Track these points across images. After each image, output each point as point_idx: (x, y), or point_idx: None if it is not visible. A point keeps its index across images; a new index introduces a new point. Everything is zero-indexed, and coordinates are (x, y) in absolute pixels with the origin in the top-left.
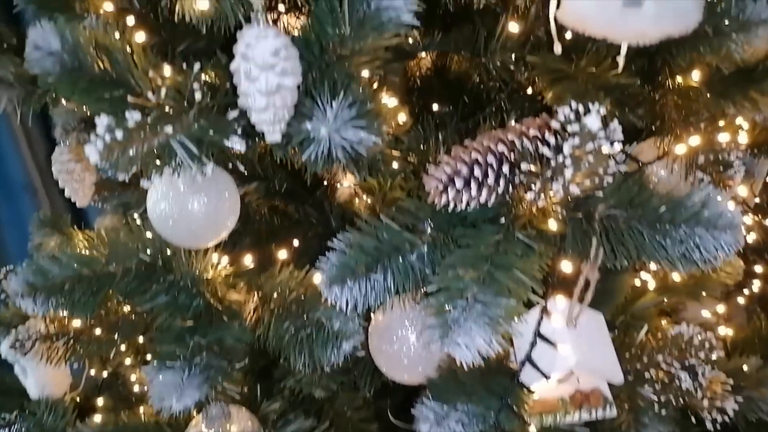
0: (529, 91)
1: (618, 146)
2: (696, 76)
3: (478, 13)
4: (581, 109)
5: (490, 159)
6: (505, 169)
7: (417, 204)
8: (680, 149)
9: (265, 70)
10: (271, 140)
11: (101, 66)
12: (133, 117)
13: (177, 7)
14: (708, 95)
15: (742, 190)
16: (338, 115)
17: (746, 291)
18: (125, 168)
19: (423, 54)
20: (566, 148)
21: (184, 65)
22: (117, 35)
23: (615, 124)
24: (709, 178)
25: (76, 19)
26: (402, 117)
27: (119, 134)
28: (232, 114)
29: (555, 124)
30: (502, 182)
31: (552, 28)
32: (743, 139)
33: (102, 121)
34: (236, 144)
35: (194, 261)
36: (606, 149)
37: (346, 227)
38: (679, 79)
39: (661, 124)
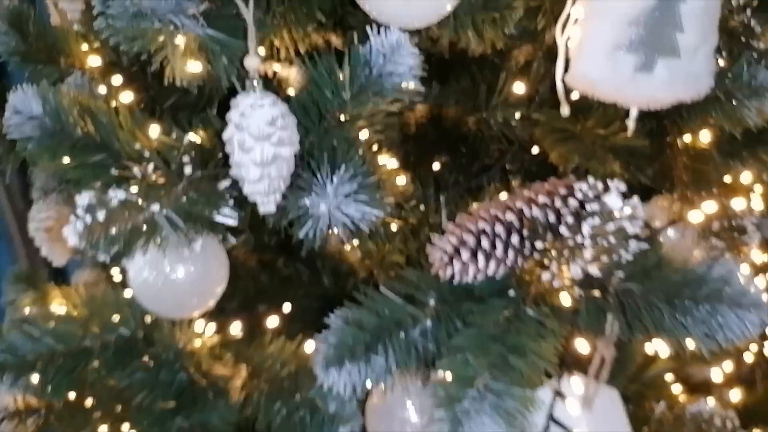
0: (534, 150)
1: (640, 224)
2: (705, 137)
3: (477, 65)
4: (600, 185)
5: (498, 229)
6: (514, 239)
7: (419, 274)
8: (694, 216)
9: (260, 140)
10: (265, 211)
11: (84, 129)
12: (117, 195)
13: (167, 70)
14: (717, 156)
15: (758, 255)
16: (338, 189)
17: (754, 348)
18: (107, 248)
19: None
20: (586, 229)
21: (173, 128)
22: (102, 94)
23: (635, 201)
24: (723, 244)
25: (60, 72)
26: (402, 179)
27: (101, 214)
28: (224, 183)
29: (573, 202)
30: (510, 253)
31: (559, 90)
32: (757, 203)
33: (82, 199)
34: (228, 218)
35: (178, 332)
36: (629, 229)
37: (338, 284)
38: (687, 139)
39: (671, 185)
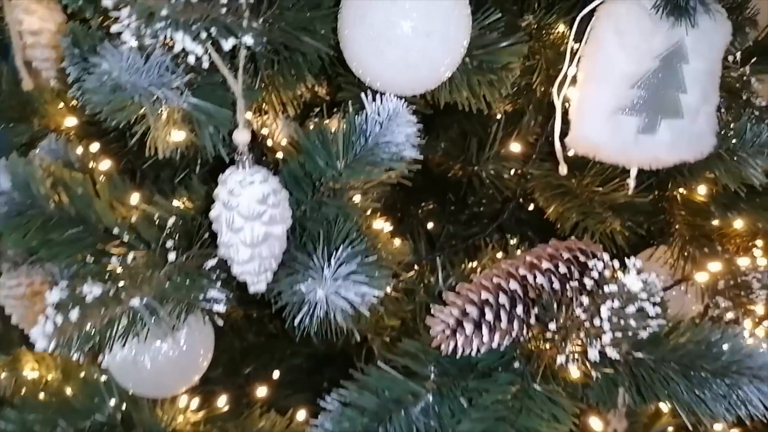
0: (529, 204)
1: (657, 301)
2: (703, 190)
3: (465, 116)
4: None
5: (502, 299)
6: (519, 310)
7: (418, 345)
8: (700, 275)
9: (250, 220)
10: (255, 290)
11: (58, 202)
12: (92, 291)
13: (148, 140)
14: (716, 209)
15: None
16: (336, 271)
17: None
18: (80, 347)
19: None
20: (604, 312)
21: (155, 196)
22: (78, 161)
23: (653, 278)
24: (729, 303)
25: (33, 132)
26: (397, 241)
27: (74, 313)
28: (210, 263)
29: (588, 282)
30: (515, 325)
31: (557, 149)
32: (762, 259)
33: (52, 296)
34: (216, 302)
35: (159, 411)
36: (650, 311)
37: (328, 343)
38: (686, 193)
39: (669, 238)
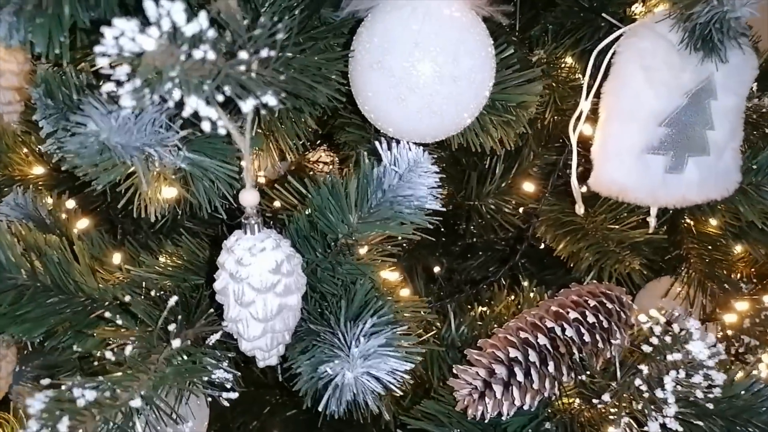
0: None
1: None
2: (713, 220)
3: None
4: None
5: (532, 356)
6: (551, 367)
7: (441, 408)
8: (728, 317)
9: (263, 292)
10: (265, 365)
11: (30, 271)
12: (84, 394)
13: (135, 200)
14: (727, 239)
15: None
16: (365, 348)
17: None
18: None
19: None
20: (668, 384)
21: (141, 254)
22: (50, 218)
23: (713, 339)
24: (755, 342)
25: None
26: (406, 291)
27: (63, 425)
28: (214, 338)
29: (646, 348)
30: (547, 383)
31: (574, 188)
32: None
33: (36, 404)
34: (222, 387)
35: None
36: (716, 378)
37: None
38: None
39: (687, 276)
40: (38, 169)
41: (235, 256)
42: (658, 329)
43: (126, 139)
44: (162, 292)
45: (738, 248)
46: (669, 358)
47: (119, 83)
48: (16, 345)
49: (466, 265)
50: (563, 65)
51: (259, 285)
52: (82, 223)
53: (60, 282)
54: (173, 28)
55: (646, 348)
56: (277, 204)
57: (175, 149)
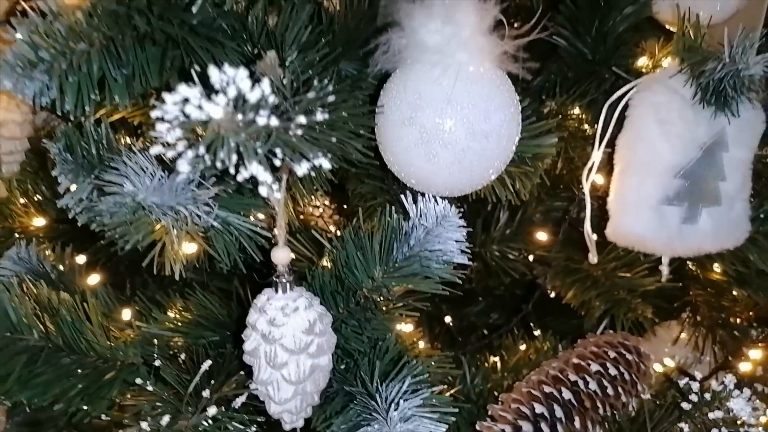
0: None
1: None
2: (717, 266)
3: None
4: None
5: (558, 411)
6: (577, 423)
7: None
8: (743, 366)
9: (296, 353)
10: (291, 428)
11: (43, 332)
12: None
13: (155, 261)
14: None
15: None
16: (401, 411)
17: None
18: None
19: None
20: None
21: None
22: (53, 268)
23: (747, 393)
24: None
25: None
26: (422, 344)
27: None
28: (240, 400)
29: (686, 405)
30: None
31: (587, 236)
32: None
33: None
34: None
35: None
36: None
37: None
38: (707, 273)
39: (695, 323)
40: (39, 221)
41: (268, 316)
42: (695, 386)
43: (161, 199)
44: (176, 351)
45: (735, 292)
46: (711, 416)
47: (166, 145)
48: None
49: (471, 311)
50: (572, 115)
51: (293, 346)
52: (92, 279)
53: (72, 342)
54: (238, 95)
55: (686, 405)
56: (292, 256)
57: (206, 207)
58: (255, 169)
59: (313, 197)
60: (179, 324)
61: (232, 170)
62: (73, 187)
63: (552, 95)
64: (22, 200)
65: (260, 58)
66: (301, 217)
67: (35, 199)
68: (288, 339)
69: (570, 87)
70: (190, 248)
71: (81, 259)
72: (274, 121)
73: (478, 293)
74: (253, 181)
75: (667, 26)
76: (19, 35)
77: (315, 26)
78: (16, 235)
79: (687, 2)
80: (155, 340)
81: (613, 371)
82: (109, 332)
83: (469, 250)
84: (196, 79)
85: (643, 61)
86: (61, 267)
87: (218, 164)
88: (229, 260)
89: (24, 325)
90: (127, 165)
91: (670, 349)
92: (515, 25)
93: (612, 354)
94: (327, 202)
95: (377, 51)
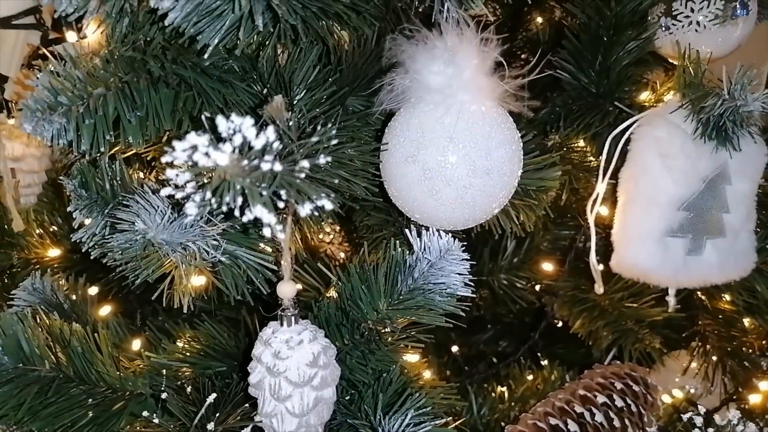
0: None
1: None
2: (726, 296)
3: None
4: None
5: None
6: None
7: None
8: (753, 398)
9: (300, 386)
10: None
11: (54, 362)
12: None
13: (164, 295)
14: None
15: None
16: None
17: None
18: None
19: None
20: None
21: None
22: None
23: (752, 428)
24: None
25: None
26: (427, 373)
27: None
28: None
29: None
30: None
31: (593, 267)
32: None
33: None
34: None
35: None
36: None
37: None
38: (716, 303)
39: (703, 353)
40: (54, 251)
41: (272, 349)
42: (699, 420)
43: (170, 236)
44: (183, 381)
45: (747, 321)
46: None
47: (177, 186)
48: None
49: (480, 339)
50: (576, 148)
51: (297, 379)
52: (104, 310)
53: (83, 372)
54: (243, 142)
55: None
56: (298, 287)
57: (214, 242)
58: (259, 211)
59: (320, 228)
60: (188, 354)
61: (237, 213)
62: (88, 221)
63: (556, 128)
64: (38, 231)
65: (270, 99)
66: (312, 243)
67: (51, 230)
68: (292, 372)
69: (574, 120)
70: (198, 281)
71: (94, 289)
72: (278, 166)
73: (487, 321)
74: (258, 221)
75: (671, 60)
76: (39, 80)
77: (323, 65)
78: (33, 266)
79: (688, 38)
80: (164, 371)
81: (619, 403)
82: (119, 363)
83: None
84: (206, 125)
85: (646, 95)
86: (74, 297)
87: (224, 207)
88: (237, 292)
89: (36, 356)
90: (139, 203)
91: (680, 380)
92: (523, 56)
93: (619, 385)
94: (337, 229)
95: (382, 91)
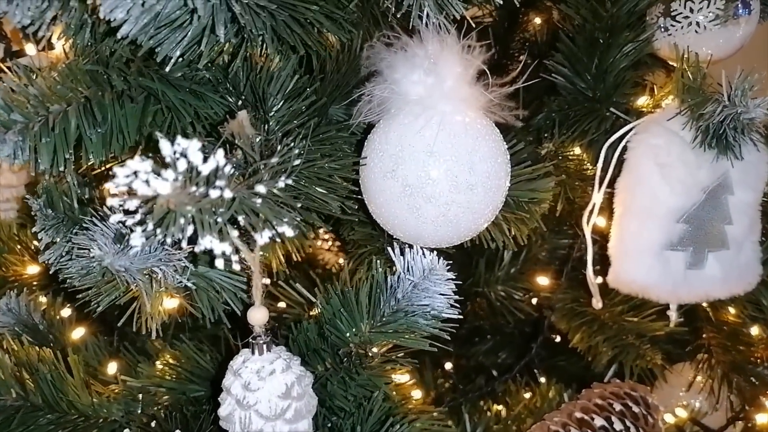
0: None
1: None
2: (732, 308)
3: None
4: None
5: None
6: None
7: None
8: (760, 418)
9: (272, 420)
10: None
11: (21, 392)
12: None
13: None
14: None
15: None
16: None
17: None
18: None
19: None
20: None
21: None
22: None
23: None
24: None
25: None
26: (418, 393)
27: None
28: None
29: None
30: None
31: (590, 283)
32: None
33: None
34: None
35: None
36: None
37: None
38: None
39: (708, 367)
40: (33, 269)
41: (242, 380)
42: None
43: (130, 262)
44: (159, 407)
45: (755, 331)
46: None
47: (128, 212)
48: None
49: (479, 350)
50: (572, 156)
51: (268, 412)
52: (78, 332)
53: (52, 400)
54: (189, 167)
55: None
56: (282, 305)
57: (181, 266)
58: (208, 242)
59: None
60: (165, 377)
61: (184, 244)
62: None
63: (551, 135)
64: (16, 247)
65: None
66: (310, 249)
67: (31, 246)
68: (263, 405)
69: (570, 126)
70: (171, 303)
71: (66, 312)
72: (228, 194)
73: (486, 332)
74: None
75: (670, 62)
76: None
77: (304, 73)
78: (11, 283)
79: (688, 39)
80: (140, 395)
81: (618, 426)
82: (91, 388)
83: (471, 292)
84: (163, 145)
85: (644, 100)
86: (53, 316)
87: (168, 240)
88: (213, 315)
89: (2, 383)
90: (97, 225)
91: (684, 396)
92: (521, 58)
93: (618, 407)
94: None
95: (361, 102)
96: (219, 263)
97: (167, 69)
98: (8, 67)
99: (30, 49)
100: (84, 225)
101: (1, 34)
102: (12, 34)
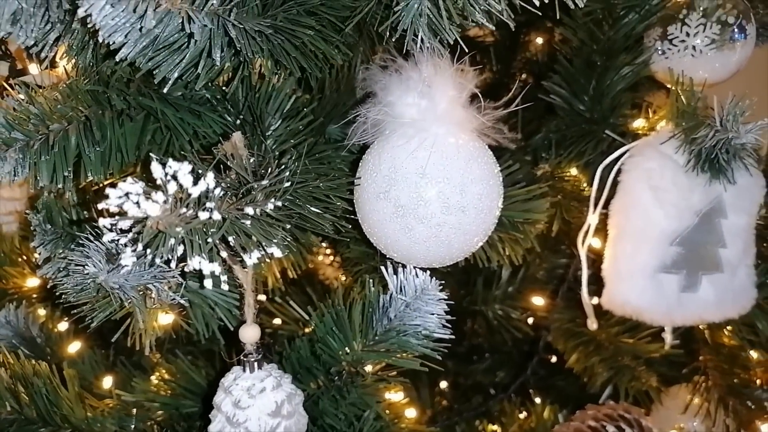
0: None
1: None
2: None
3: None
4: None
5: None
6: None
7: None
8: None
9: None
10: None
11: (14, 405)
12: None
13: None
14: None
15: None
16: None
17: None
18: None
19: None
20: None
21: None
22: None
23: None
24: None
25: None
26: (412, 412)
27: None
28: None
29: None
30: None
31: (585, 303)
32: None
33: None
34: None
35: None
36: None
37: None
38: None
39: (705, 390)
40: (33, 281)
41: (233, 397)
42: None
43: (124, 279)
44: (152, 422)
45: (755, 354)
46: None
47: (122, 231)
48: None
49: (473, 369)
50: (568, 177)
51: (258, 430)
52: (75, 345)
53: (46, 414)
54: (180, 189)
55: None
56: (277, 321)
57: (175, 282)
58: (197, 263)
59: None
60: (159, 392)
61: (173, 264)
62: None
63: (548, 156)
64: (18, 260)
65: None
66: (309, 265)
67: (32, 259)
68: (252, 423)
69: (567, 147)
70: (166, 319)
71: (63, 325)
72: (217, 215)
73: (484, 350)
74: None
75: (667, 85)
76: None
77: (303, 92)
78: (10, 296)
79: (684, 63)
80: (134, 410)
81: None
82: (86, 402)
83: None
84: (154, 168)
85: (640, 123)
86: (51, 329)
87: (158, 260)
88: (208, 331)
89: None
90: (92, 242)
91: (680, 418)
92: (522, 77)
93: (611, 429)
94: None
95: (356, 123)
96: (208, 283)
97: (165, 89)
98: (10, 85)
99: (34, 68)
100: (80, 242)
101: (6, 54)
102: (16, 53)
